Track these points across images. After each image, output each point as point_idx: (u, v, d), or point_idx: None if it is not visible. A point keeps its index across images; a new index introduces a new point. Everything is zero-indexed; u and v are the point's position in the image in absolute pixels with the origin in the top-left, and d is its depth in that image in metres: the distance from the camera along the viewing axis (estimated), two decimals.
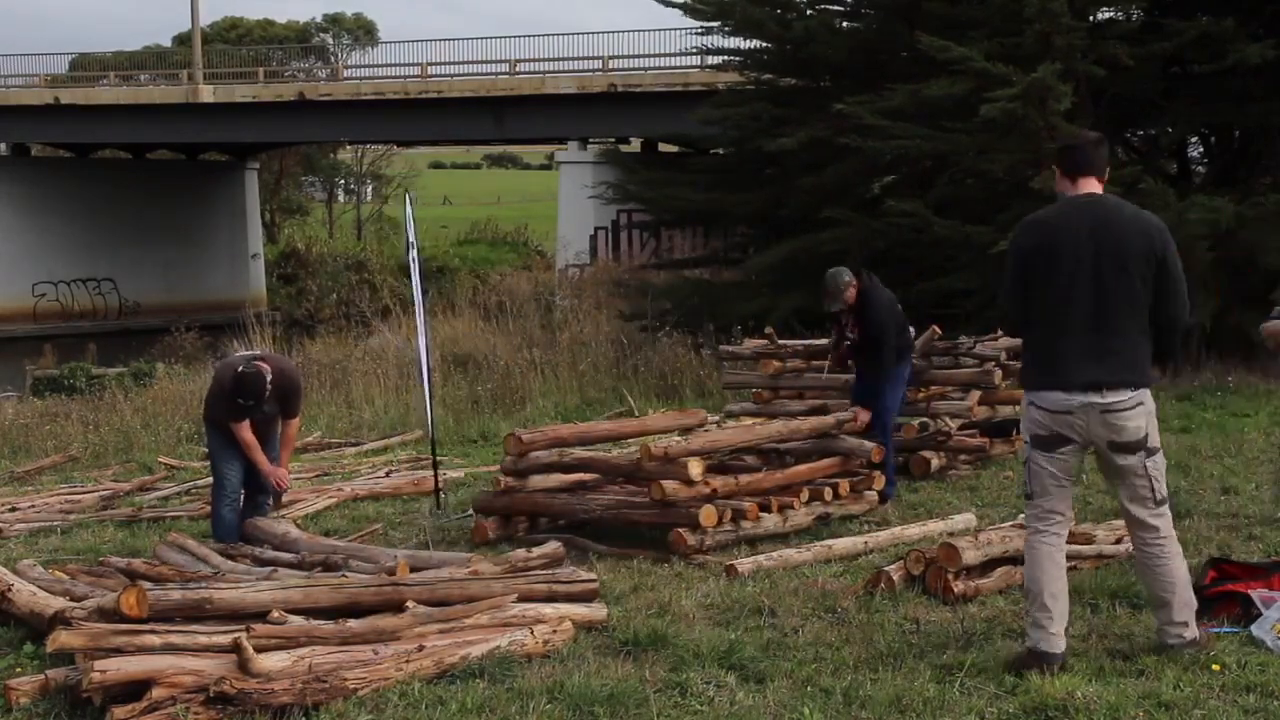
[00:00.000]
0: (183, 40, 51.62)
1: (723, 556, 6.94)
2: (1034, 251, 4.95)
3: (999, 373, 9.55)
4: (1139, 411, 4.87)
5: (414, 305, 9.19)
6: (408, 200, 9.72)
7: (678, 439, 7.83)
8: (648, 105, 30.18)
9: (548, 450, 7.88)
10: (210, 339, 24.44)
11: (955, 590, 5.89)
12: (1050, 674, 4.73)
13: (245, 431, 7.45)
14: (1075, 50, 14.31)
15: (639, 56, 33.19)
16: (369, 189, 64.00)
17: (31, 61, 42.58)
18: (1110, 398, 4.82)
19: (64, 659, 4.94)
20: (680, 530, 6.99)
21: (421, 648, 4.97)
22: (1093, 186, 4.97)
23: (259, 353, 7.82)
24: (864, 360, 8.58)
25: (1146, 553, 4.98)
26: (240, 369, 7.35)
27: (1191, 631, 4.99)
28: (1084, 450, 5.01)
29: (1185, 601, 4.99)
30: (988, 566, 6.09)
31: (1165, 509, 4.99)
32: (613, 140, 32.62)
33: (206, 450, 8.16)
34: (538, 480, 7.91)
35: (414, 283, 9.25)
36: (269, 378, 7.34)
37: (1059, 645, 4.87)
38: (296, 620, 4.99)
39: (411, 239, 9.20)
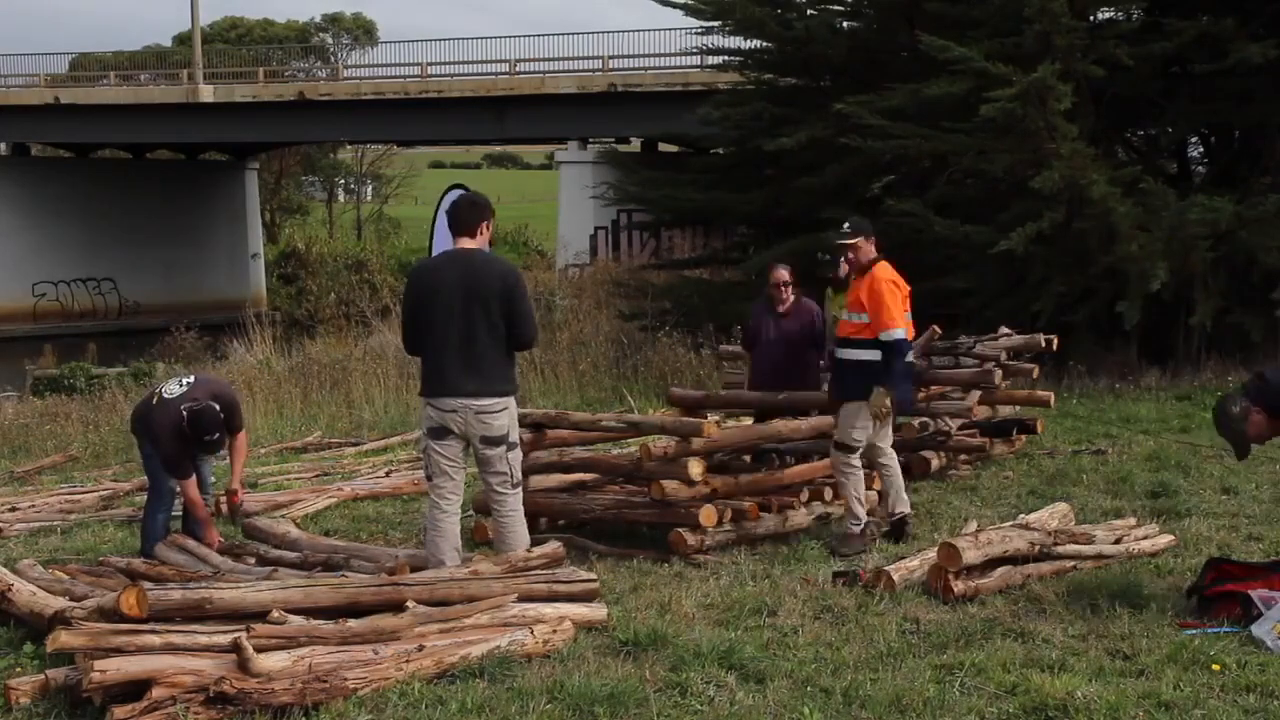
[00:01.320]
0: (183, 40, 51.65)
1: (721, 556, 6.95)
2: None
3: (999, 373, 9.54)
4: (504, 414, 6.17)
5: None
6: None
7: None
8: (648, 105, 30.17)
9: (548, 450, 7.89)
10: (210, 339, 24.45)
11: (955, 590, 5.89)
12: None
13: (192, 489, 7.31)
14: (1075, 50, 14.31)
15: (639, 56, 33.22)
16: (369, 189, 64.03)
17: (31, 61, 42.69)
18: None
19: (64, 659, 4.94)
20: (680, 530, 6.99)
21: (421, 647, 4.97)
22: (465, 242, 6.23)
23: (189, 378, 7.53)
24: None
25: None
26: (187, 409, 7.14)
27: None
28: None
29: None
30: (988, 566, 6.10)
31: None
32: (613, 140, 32.64)
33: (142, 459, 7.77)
34: (538, 480, 7.91)
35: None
36: (218, 408, 7.23)
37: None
38: (296, 620, 4.99)
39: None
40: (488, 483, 6.30)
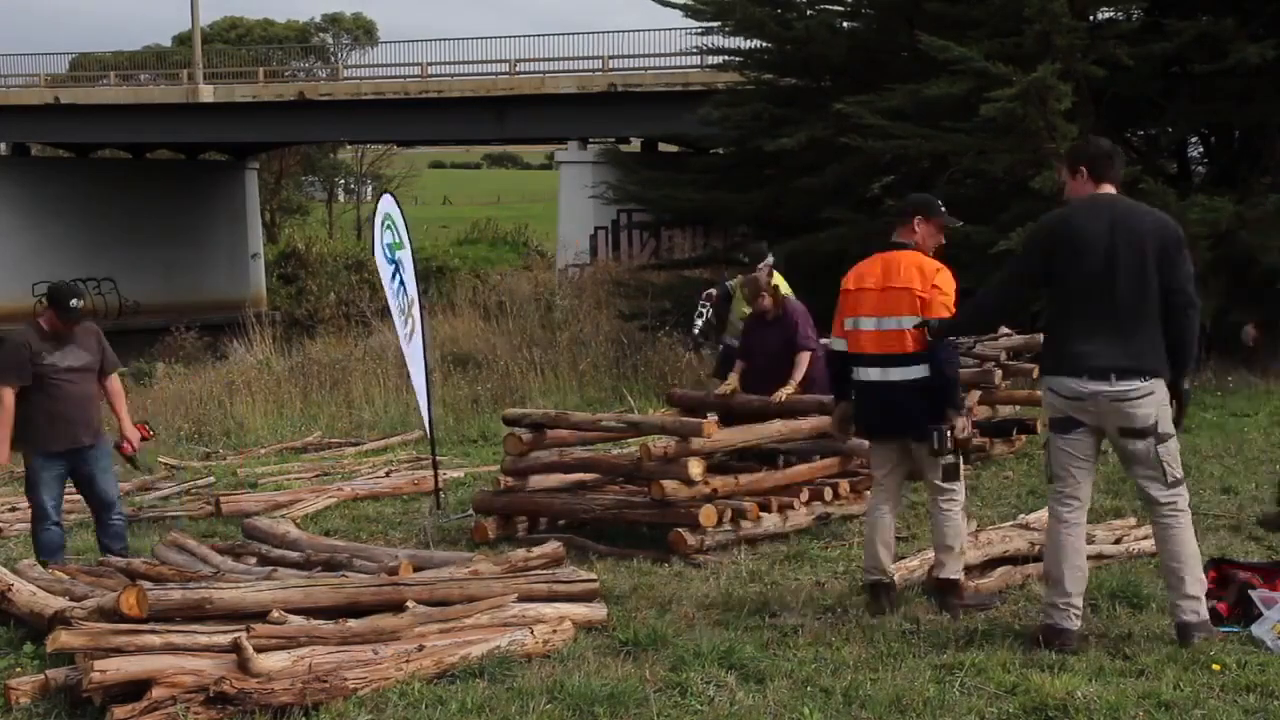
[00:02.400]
0: (183, 40, 51.65)
1: (721, 556, 6.94)
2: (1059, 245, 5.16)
3: (999, 373, 9.54)
4: (1149, 400, 5.08)
5: (408, 305, 9.05)
6: (386, 199, 9.37)
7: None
8: (648, 105, 30.15)
9: (548, 450, 7.89)
10: (210, 339, 24.44)
11: None
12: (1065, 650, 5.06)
13: (9, 396, 6.91)
14: (1075, 50, 14.30)
15: (639, 56, 33.21)
16: (369, 189, 64.01)
17: (31, 61, 42.68)
18: (1120, 386, 5.05)
19: (64, 659, 4.94)
20: (680, 530, 6.99)
21: (421, 647, 4.97)
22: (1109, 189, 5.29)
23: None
24: None
25: (1159, 524, 5.21)
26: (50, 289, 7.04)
27: (1203, 611, 5.16)
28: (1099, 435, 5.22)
29: (1197, 578, 5.17)
30: (987, 566, 6.09)
31: (1180, 489, 5.21)
32: (613, 140, 32.60)
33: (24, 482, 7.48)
34: (538, 480, 7.91)
35: (388, 281, 9.04)
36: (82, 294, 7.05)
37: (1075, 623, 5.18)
38: (296, 620, 4.99)
39: (404, 238, 9.02)
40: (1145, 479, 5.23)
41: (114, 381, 7.38)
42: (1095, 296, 5.08)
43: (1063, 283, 5.16)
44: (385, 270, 9.00)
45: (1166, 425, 5.16)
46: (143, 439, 7.59)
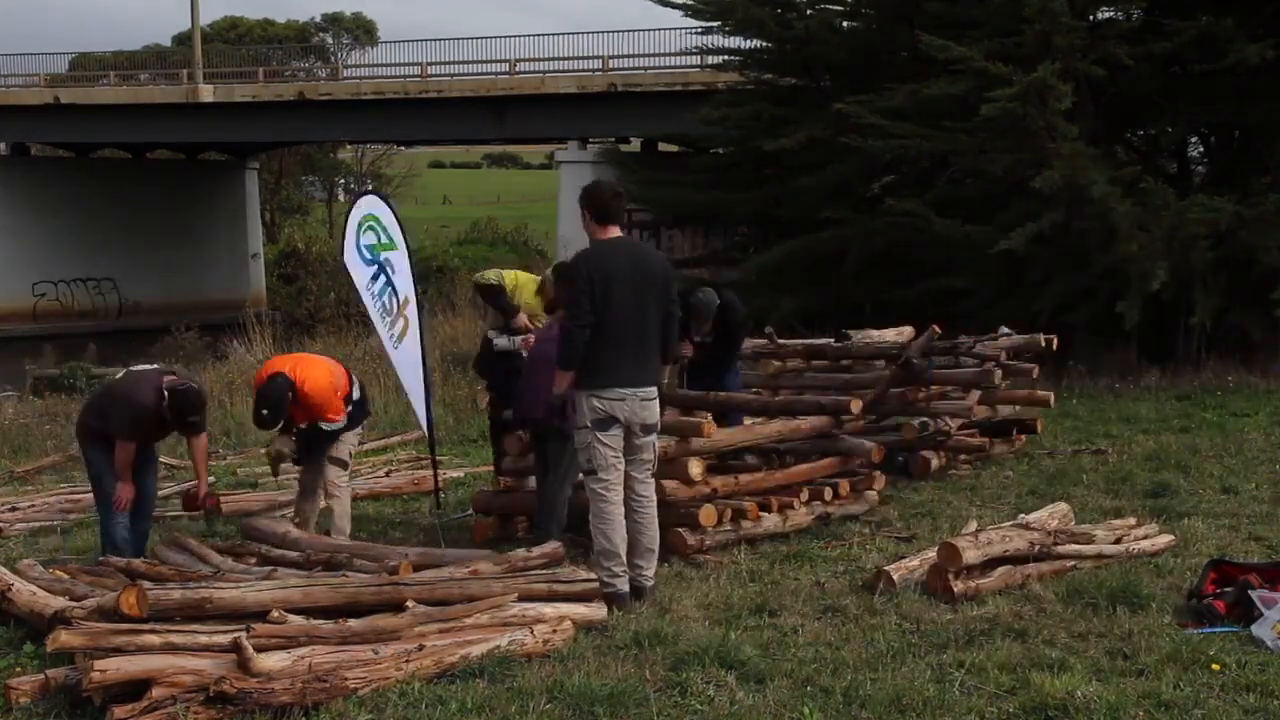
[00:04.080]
0: (183, 40, 51.59)
1: (721, 555, 6.94)
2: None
3: (999, 373, 9.54)
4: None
5: (398, 306, 8.86)
6: (369, 199, 9.23)
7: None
8: (648, 105, 30.14)
9: None
10: (210, 339, 24.43)
11: (955, 590, 5.89)
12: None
13: (128, 452, 7.15)
14: (1075, 50, 14.32)
15: (639, 56, 33.14)
16: (369, 189, 63.99)
17: (31, 61, 42.57)
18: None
19: (64, 658, 4.94)
20: (680, 530, 6.98)
21: (421, 647, 4.97)
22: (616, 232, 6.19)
23: (158, 367, 7.60)
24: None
25: (648, 511, 6.21)
26: (169, 386, 7.10)
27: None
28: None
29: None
30: (987, 566, 6.09)
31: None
32: (613, 140, 32.60)
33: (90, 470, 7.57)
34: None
35: (365, 283, 8.91)
36: (199, 389, 7.24)
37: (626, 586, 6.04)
38: (296, 620, 4.98)
39: (397, 238, 8.86)
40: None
41: (201, 441, 7.68)
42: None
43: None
44: (363, 272, 8.78)
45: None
46: None
